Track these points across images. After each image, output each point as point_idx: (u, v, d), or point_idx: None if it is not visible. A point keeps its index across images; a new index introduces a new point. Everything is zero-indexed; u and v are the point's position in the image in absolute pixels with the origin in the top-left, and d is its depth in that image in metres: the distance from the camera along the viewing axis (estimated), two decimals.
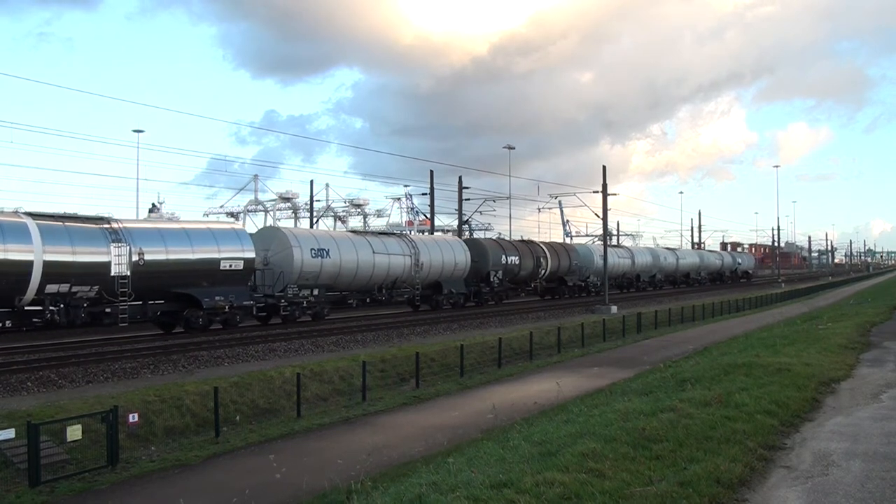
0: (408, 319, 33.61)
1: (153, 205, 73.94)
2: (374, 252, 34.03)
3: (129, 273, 23.49)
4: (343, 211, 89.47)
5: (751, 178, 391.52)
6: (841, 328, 24.38)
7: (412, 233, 73.87)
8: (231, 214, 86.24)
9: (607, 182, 47.83)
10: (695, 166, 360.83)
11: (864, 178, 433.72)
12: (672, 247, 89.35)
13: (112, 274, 23.15)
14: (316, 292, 31.40)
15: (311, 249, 31.04)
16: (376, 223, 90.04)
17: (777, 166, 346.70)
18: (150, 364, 20.57)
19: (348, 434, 15.44)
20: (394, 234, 40.93)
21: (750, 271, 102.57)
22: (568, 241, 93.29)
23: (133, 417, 14.04)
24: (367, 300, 34.79)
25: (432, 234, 53.93)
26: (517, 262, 45.37)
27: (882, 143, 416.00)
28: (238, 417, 16.64)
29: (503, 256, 44.26)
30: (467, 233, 59.30)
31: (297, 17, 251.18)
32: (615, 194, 75.13)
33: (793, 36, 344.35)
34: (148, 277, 24.21)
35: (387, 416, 17.27)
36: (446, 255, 39.16)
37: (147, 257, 24.25)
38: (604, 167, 49.08)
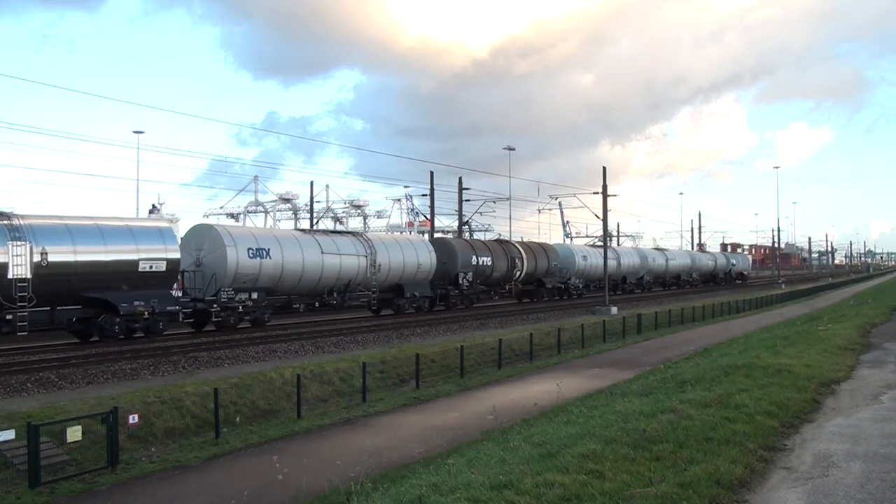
0: (409, 321, 33.57)
1: (153, 206, 73.95)
2: (322, 252, 31.16)
3: (29, 276, 21.17)
4: (343, 212, 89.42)
5: (751, 179, 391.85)
6: (841, 329, 24.36)
7: (412, 233, 73.89)
8: (231, 215, 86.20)
9: (607, 183, 47.97)
10: (695, 167, 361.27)
11: (863, 179, 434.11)
12: (663, 247, 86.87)
13: (9, 276, 20.85)
14: (255, 296, 28.73)
15: (249, 249, 28.32)
16: (376, 224, 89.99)
17: (777, 167, 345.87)
18: (150, 365, 20.56)
19: (348, 435, 15.44)
20: (348, 232, 37.57)
21: (745, 272, 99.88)
22: (568, 241, 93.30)
23: (133, 418, 14.04)
24: (317, 304, 32.21)
25: (433, 235, 53.75)
26: (489, 263, 42.68)
27: (882, 145, 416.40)
28: (238, 418, 16.64)
29: (473, 257, 41.59)
30: (467, 234, 59.30)
31: (299, 18, 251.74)
32: (615, 195, 75.12)
33: (792, 38, 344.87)
34: (53, 280, 21.86)
35: (387, 417, 17.28)
36: (408, 255, 36.26)
37: (52, 258, 21.84)
38: (604, 168, 49.23)
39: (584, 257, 56.71)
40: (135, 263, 24.22)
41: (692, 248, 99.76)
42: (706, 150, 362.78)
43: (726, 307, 49.49)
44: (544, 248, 51.58)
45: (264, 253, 28.92)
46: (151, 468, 13.18)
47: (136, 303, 24.10)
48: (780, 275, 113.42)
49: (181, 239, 29.20)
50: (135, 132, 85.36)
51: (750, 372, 14.09)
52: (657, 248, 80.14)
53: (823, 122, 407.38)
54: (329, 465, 12.79)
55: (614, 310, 42.77)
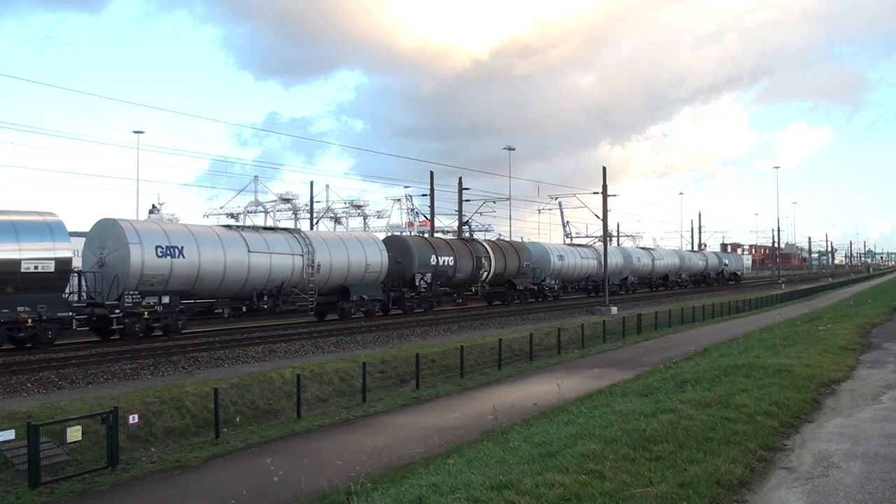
0: (408, 321, 33.57)
1: (153, 206, 74.05)
2: (249, 251, 28.00)
3: None
4: (343, 212, 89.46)
5: (751, 179, 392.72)
6: (841, 329, 24.35)
7: (411, 233, 73.83)
8: (231, 215, 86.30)
9: (607, 183, 47.98)
10: (695, 167, 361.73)
11: (863, 179, 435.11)
12: (649, 247, 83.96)
13: None
14: (166, 300, 25.45)
15: (158, 247, 25.04)
16: (376, 224, 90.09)
17: (777, 167, 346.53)
18: (150, 365, 20.56)
19: (348, 435, 15.43)
20: (282, 229, 33.07)
21: (739, 273, 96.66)
22: (568, 241, 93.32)
23: (133, 419, 14.03)
24: (244, 309, 28.86)
25: (432, 235, 53.70)
26: (451, 263, 39.50)
27: (881, 145, 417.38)
28: (238, 419, 16.64)
29: (433, 256, 38.26)
30: (467, 233, 59.26)
31: (300, 20, 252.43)
32: (615, 195, 75.03)
33: (791, 39, 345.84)
34: None
35: (387, 417, 17.27)
36: (354, 254, 32.93)
37: None
38: (604, 168, 49.21)
39: (561, 257, 53.22)
40: (16, 263, 21.17)
41: (692, 249, 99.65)
42: (706, 150, 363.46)
43: (726, 307, 49.49)
44: (515, 248, 48.11)
45: (176, 252, 25.60)
46: (151, 468, 13.18)
47: (20, 308, 21.18)
48: (780, 275, 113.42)
49: (87, 235, 26.65)
50: (135, 132, 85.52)
51: (750, 372, 14.09)
52: (643, 248, 76.89)
53: (823, 123, 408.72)
54: (329, 465, 12.79)
55: (614, 310, 42.79)
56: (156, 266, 25.04)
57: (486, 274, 43.38)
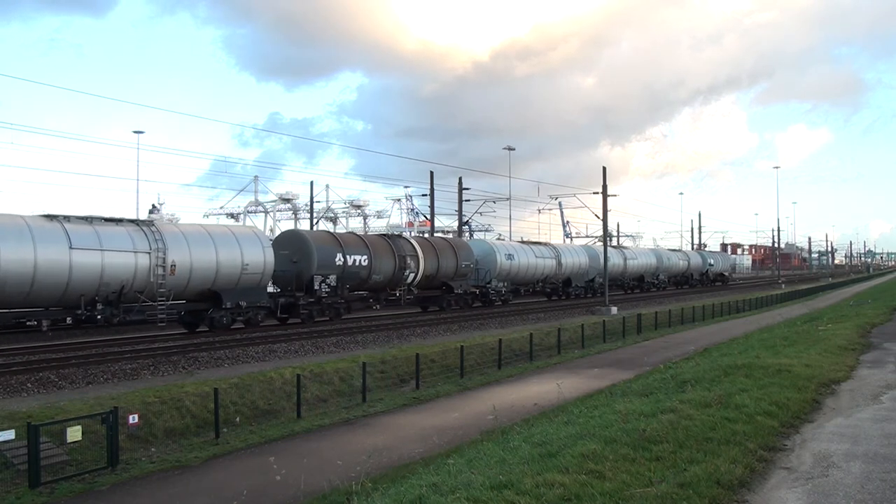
0: (408, 321, 33.56)
1: (153, 205, 74.07)
2: (71, 247, 22.29)
3: None
4: (343, 212, 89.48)
5: (751, 179, 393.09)
6: (841, 329, 24.36)
7: (411, 234, 73.81)
8: (231, 216, 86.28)
9: (607, 183, 47.99)
10: (695, 168, 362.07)
11: (863, 179, 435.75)
12: (624, 245, 78.82)
13: None
14: None
15: None
16: (376, 224, 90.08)
17: (777, 167, 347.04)
18: (150, 365, 20.56)
19: (348, 435, 15.43)
20: (128, 220, 25.65)
21: (726, 273, 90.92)
22: (568, 241, 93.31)
23: (133, 419, 14.03)
24: (69, 321, 23.23)
25: (433, 235, 53.65)
26: (365, 263, 33.47)
27: (880, 146, 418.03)
28: (238, 419, 16.64)
29: (339, 255, 32.23)
30: (467, 233, 59.25)
31: (302, 21, 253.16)
32: (615, 195, 74.97)
33: (790, 41, 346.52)
34: None
35: (387, 417, 17.27)
36: (225, 252, 26.77)
37: None
38: (604, 168, 49.20)
39: (510, 256, 46.63)
40: None
41: (692, 248, 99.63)
42: (706, 150, 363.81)
43: (726, 307, 49.51)
44: (452, 245, 41.90)
45: None
46: (151, 468, 13.18)
47: None
48: (780, 275, 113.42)
49: None
50: (135, 132, 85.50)
51: (750, 372, 14.09)
52: (614, 246, 70.33)
53: (822, 124, 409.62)
54: (329, 465, 12.79)
55: (614, 310, 42.84)
56: None
57: (412, 275, 36.77)
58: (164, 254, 24.74)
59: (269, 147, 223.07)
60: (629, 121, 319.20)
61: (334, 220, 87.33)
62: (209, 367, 21.23)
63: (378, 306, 35.94)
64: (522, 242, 54.52)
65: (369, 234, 44.66)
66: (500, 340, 25.91)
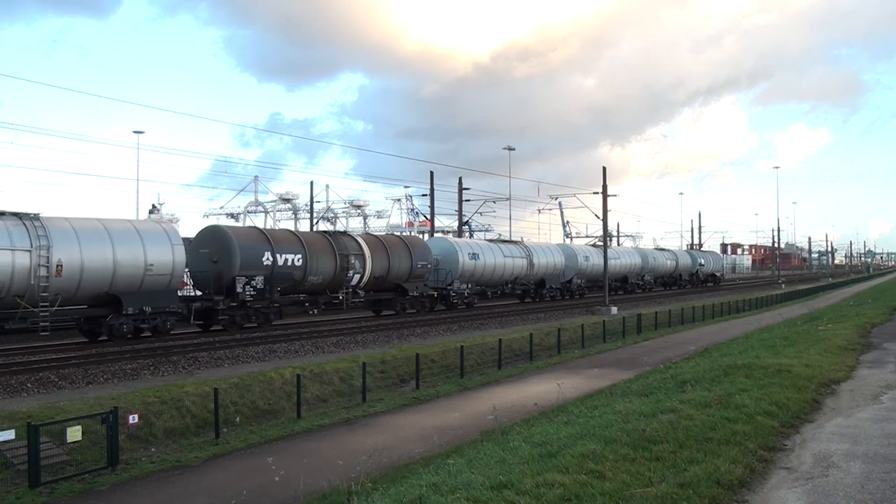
0: (408, 321, 33.54)
1: (153, 206, 74.05)
2: None
3: None
4: (343, 212, 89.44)
5: (751, 179, 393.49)
6: (841, 329, 24.35)
7: (411, 233, 73.72)
8: (231, 216, 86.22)
9: (607, 183, 48.00)
10: (695, 168, 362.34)
11: (863, 179, 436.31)
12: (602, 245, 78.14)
13: None
14: None
15: None
16: (376, 224, 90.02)
17: (777, 167, 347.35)
18: (150, 365, 20.56)
19: (348, 435, 15.43)
20: (7, 213, 22.16)
21: (718, 273, 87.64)
22: (568, 241, 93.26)
23: (133, 419, 14.03)
24: None
25: (433, 235, 53.59)
26: (299, 263, 30.24)
27: (879, 146, 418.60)
28: (238, 418, 16.64)
29: (268, 254, 29.09)
30: (468, 233, 59.23)
31: (304, 23, 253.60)
32: (615, 195, 74.84)
33: (789, 42, 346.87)
34: None
35: (387, 417, 17.27)
36: (125, 249, 23.65)
37: None
38: (604, 168, 49.20)
39: (474, 255, 43.11)
40: None
41: (691, 248, 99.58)
42: (706, 150, 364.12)
43: (726, 307, 49.54)
44: (406, 244, 38.07)
45: None
46: (151, 468, 13.18)
47: None
48: (780, 275, 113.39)
49: None
50: (135, 132, 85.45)
51: (750, 372, 14.09)
52: (593, 245, 67.47)
53: (821, 124, 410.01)
54: (329, 465, 12.79)
55: (614, 310, 42.86)
56: None
57: (358, 277, 33.37)
58: (49, 252, 21.74)
59: (270, 147, 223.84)
60: (629, 121, 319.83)
61: (334, 220, 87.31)
62: (209, 367, 21.23)
63: (315, 311, 32.08)
64: (491, 241, 51.01)
65: (305, 230, 41.42)
66: (500, 340, 25.90)
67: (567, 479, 7.11)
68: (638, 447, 8.35)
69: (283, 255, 29.73)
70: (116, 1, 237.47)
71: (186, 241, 28.13)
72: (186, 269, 27.40)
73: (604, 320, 35.30)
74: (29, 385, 17.71)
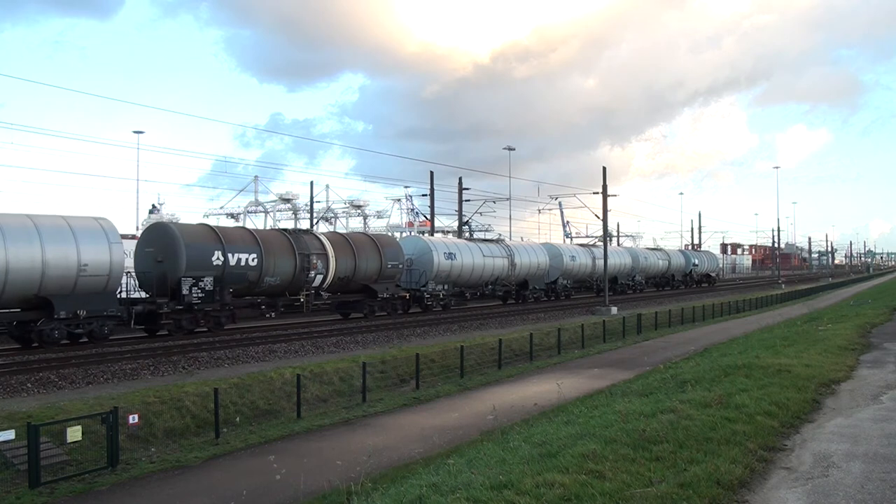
0: (408, 321, 33.52)
1: (153, 206, 74.14)
2: None
3: None
4: (343, 212, 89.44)
5: (751, 179, 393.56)
6: (841, 329, 24.34)
7: (411, 234, 73.57)
8: (231, 216, 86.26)
9: (607, 183, 48.01)
10: (695, 168, 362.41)
11: (862, 180, 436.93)
12: (594, 244, 70.18)
13: None
14: None
15: None
16: (376, 224, 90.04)
17: (777, 167, 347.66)
18: (150, 365, 20.56)
19: (348, 435, 15.43)
20: None
21: (713, 274, 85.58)
22: (568, 241, 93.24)
23: (133, 419, 14.04)
24: None
25: (433, 235, 53.55)
26: (254, 263, 28.26)
27: (879, 146, 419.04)
28: (238, 419, 16.64)
29: (218, 253, 27.04)
30: (468, 233, 59.22)
31: (304, 24, 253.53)
32: (615, 195, 74.68)
33: (788, 43, 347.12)
34: None
35: (387, 417, 17.27)
36: (55, 248, 22.02)
37: None
38: (604, 168, 49.20)
39: (450, 255, 40.35)
40: None
41: (691, 248, 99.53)
42: (706, 151, 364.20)
43: (726, 307, 49.56)
44: (375, 242, 35.52)
45: None
46: (151, 468, 13.18)
47: None
48: (780, 275, 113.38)
49: None
50: (135, 132, 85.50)
51: (750, 372, 14.08)
52: (582, 245, 64.66)
53: (820, 125, 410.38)
54: (329, 465, 12.79)
55: (614, 310, 42.87)
56: None
57: (320, 277, 31.38)
58: None
59: (271, 147, 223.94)
60: (629, 121, 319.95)
61: (334, 220, 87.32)
62: (209, 367, 21.22)
63: (272, 314, 29.93)
64: (470, 240, 49.13)
65: (266, 229, 38.99)
66: (501, 341, 25.90)
67: (567, 480, 7.10)
68: (638, 447, 8.35)
69: (236, 255, 27.72)
70: (118, 2, 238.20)
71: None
72: (129, 270, 26.04)
73: (604, 320, 35.31)
74: (29, 385, 17.71)
